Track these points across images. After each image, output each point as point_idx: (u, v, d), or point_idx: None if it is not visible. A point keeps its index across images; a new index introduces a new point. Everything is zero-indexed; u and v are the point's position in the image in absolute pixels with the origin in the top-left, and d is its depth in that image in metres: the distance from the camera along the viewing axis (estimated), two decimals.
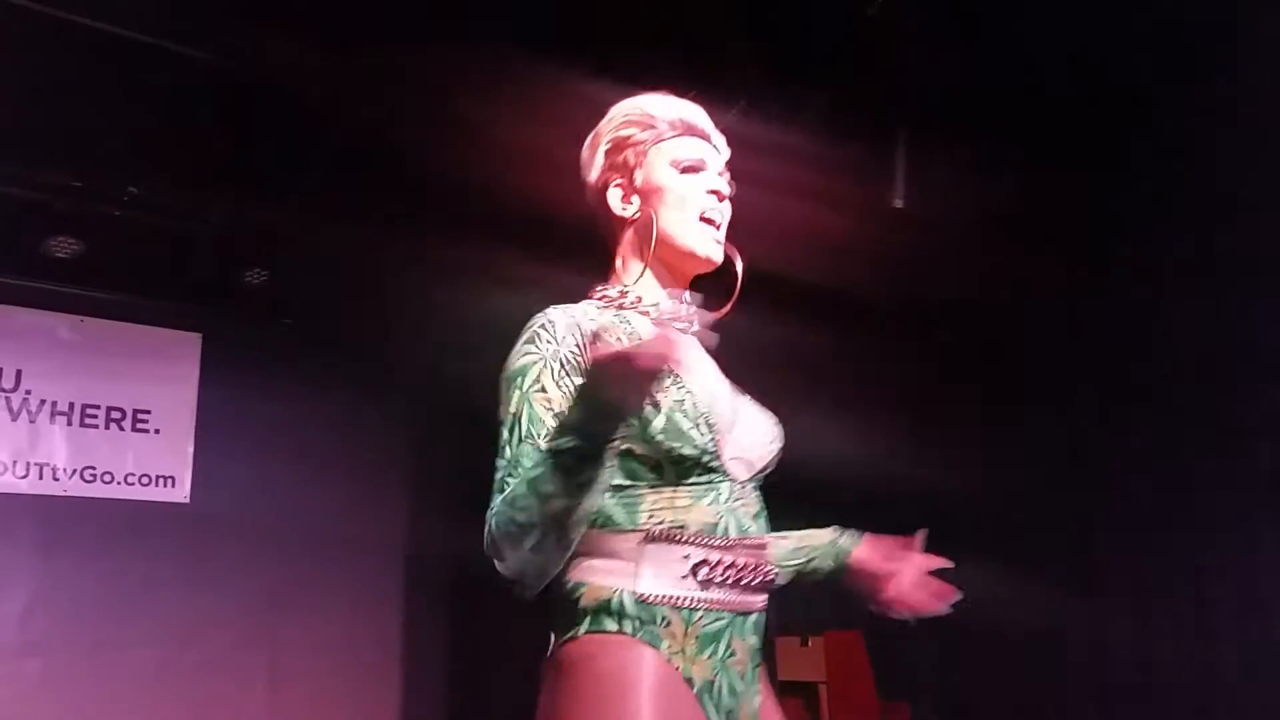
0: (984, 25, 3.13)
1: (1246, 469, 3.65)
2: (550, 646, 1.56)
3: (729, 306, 1.74)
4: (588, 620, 1.53)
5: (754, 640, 1.62)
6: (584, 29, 3.12)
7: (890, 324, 4.41)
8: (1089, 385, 4.26)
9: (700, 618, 1.54)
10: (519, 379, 1.54)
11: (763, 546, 1.63)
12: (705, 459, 1.56)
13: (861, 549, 1.90)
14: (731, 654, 1.57)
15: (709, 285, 1.74)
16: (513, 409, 1.52)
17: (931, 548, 1.87)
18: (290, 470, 5.04)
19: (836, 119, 3.36)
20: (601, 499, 1.52)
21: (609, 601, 1.52)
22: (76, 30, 2.97)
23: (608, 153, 1.76)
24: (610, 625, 1.52)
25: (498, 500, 1.46)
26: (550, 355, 1.55)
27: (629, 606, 1.52)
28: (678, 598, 1.53)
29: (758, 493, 1.68)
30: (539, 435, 1.48)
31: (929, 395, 4.64)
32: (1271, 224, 3.47)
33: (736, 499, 1.60)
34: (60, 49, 3.14)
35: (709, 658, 1.54)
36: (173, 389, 4.95)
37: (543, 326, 1.58)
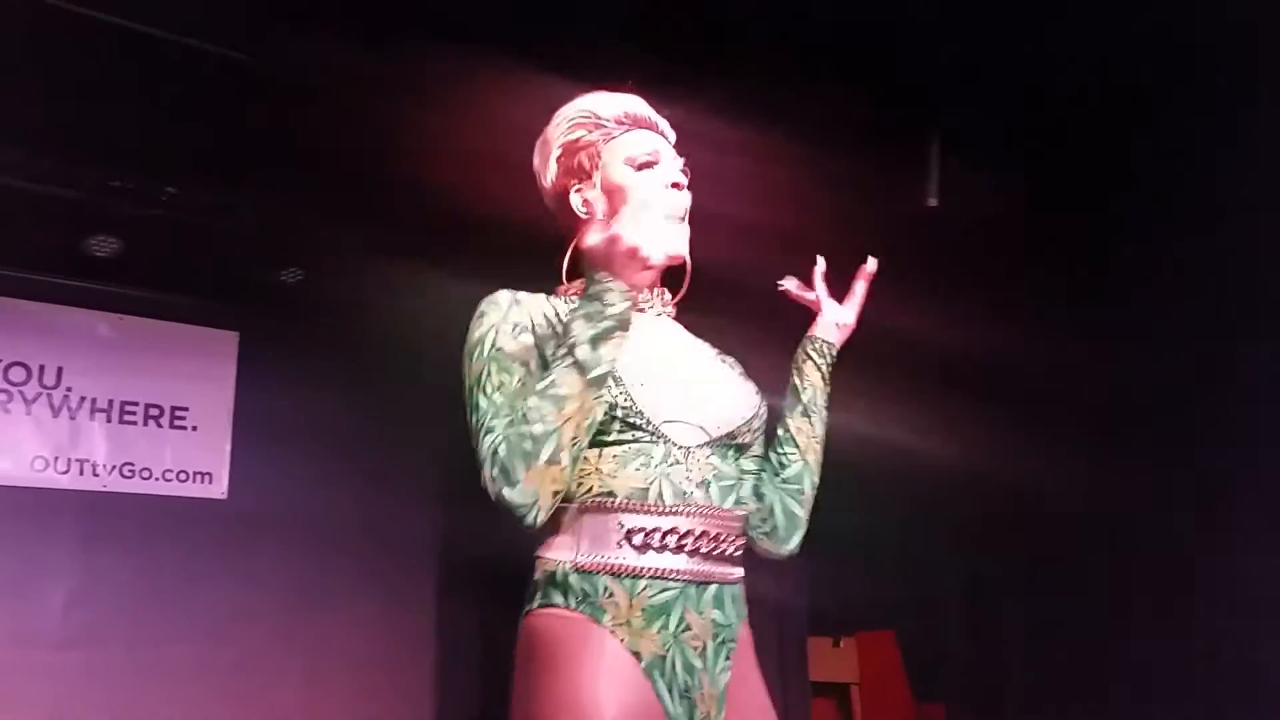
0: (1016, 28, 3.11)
1: None
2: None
3: (683, 292, 1.82)
4: (539, 594, 1.58)
5: (716, 615, 1.59)
6: (623, 28, 3.12)
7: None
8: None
9: (644, 588, 1.54)
10: (477, 349, 1.61)
11: (708, 514, 1.59)
12: (619, 413, 1.55)
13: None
14: (686, 628, 1.56)
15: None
16: (477, 369, 1.60)
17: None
18: (326, 467, 5.07)
19: (870, 118, 3.34)
20: (599, 412, 1.54)
21: (554, 574, 1.56)
22: (114, 31, 3.00)
23: (560, 158, 1.79)
24: (557, 599, 1.55)
25: (500, 427, 1.52)
26: (499, 319, 1.62)
27: (571, 579, 1.55)
28: (614, 565, 1.54)
29: (723, 459, 1.66)
30: (513, 381, 1.56)
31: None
32: None
33: (674, 463, 1.58)
34: (97, 49, 3.17)
35: (658, 631, 1.54)
36: (210, 386, 5.00)
37: (488, 302, 1.67)
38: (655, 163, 1.73)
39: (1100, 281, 4.07)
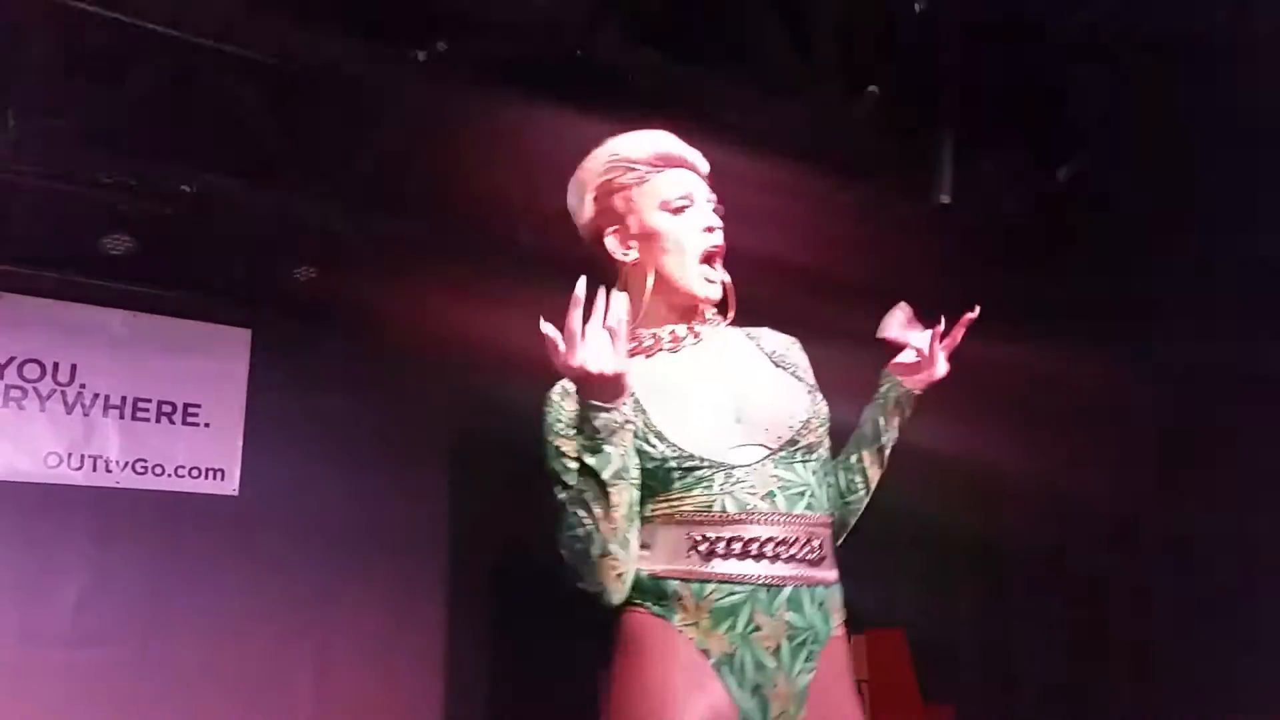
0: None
1: None
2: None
3: (730, 316, 1.87)
4: (632, 594, 1.67)
5: (791, 616, 1.64)
6: (626, 30, 3.12)
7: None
8: None
9: (711, 592, 1.63)
10: (545, 449, 1.70)
11: (774, 520, 1.66)
12: (674, 464, 1.66)
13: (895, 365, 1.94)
14: (755, 629, 1.62)
15: None
16: (548, 469, 1.69)
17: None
18: (337, 464, 5.10)
19: (881, 116, 3.34)
20: (633, 492, 1.63)
21: (640, 579, 1.66)
22: (128, 29, 3.01)
23: (595, 200, 1.83)
24: (637, 600, 1.67)
25: (563, 528, 1.64)
26: (553, 419, 1.69)
27: (648, 584, 1.66)
28: (683, 572, 1.64)
29: (789, 468, 1.71)
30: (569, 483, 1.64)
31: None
32: None
33: (736, 481, 1.66)
34: (113, 48, 3.19)
35: (725, 631, 1.62)
36: (223, 384, 5.03)
37: (545, 401, 1.72)
38: (689, 205, 1.79)
39: (1118, 281, 4.05)
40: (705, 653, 1.62)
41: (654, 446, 1.66)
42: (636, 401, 1.67)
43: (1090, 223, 3.87)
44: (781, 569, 1.64)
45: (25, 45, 3.15)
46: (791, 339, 1.95)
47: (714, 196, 1.84)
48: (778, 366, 1.85)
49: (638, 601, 1.67)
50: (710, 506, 1.64)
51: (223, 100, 3.47)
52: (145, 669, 4.60)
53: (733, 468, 1.67)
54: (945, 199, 3.46)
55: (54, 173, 3.66)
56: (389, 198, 4.07)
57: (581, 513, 1.59)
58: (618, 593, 1.65)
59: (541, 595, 5.46)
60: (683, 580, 1.63)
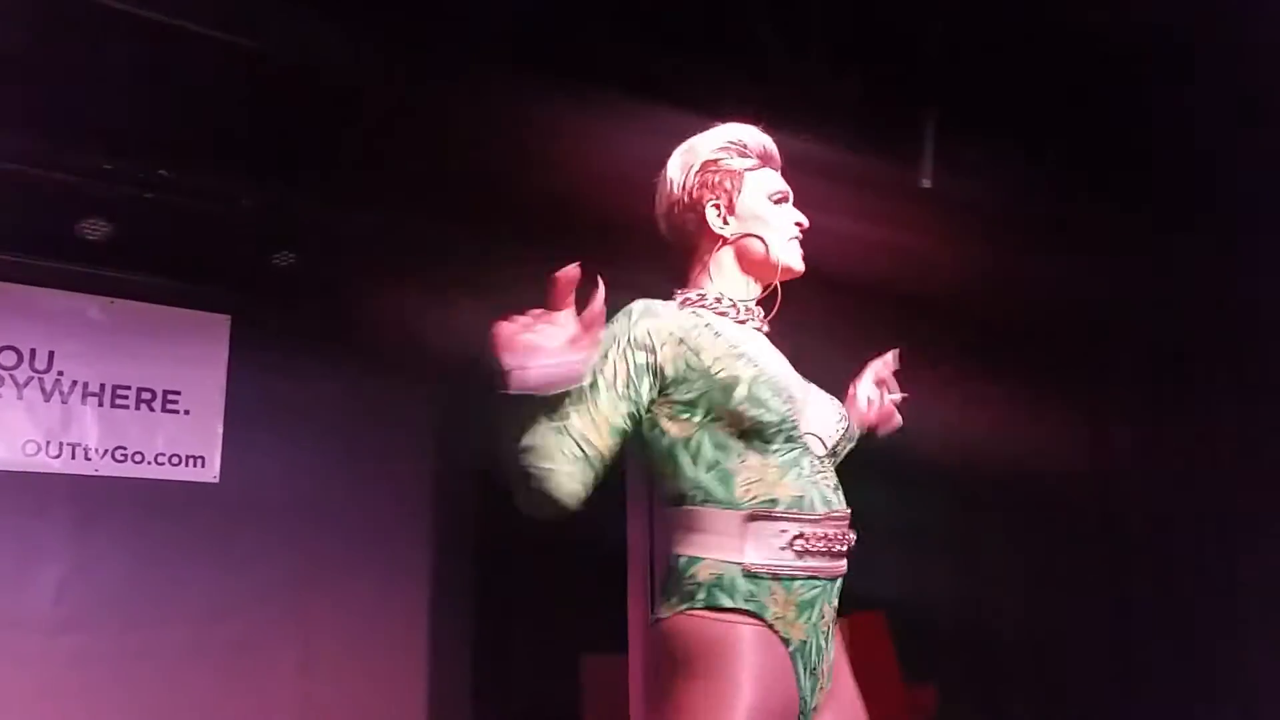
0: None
1: None
2: (656, 613, 1.76)
3: (774, 310, 1.98)
4: (704, 594, 1.70)
5: (836, 603, 1.81)
6: (613, 16, 3.11)
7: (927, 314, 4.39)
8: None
9: (799, 586, 1.73)
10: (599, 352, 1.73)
11: (845, 518, 1.80)
12: (786, 427, 1.74)
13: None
14: (821, 616, 1.76)
15: None
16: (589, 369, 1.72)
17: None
18: (319, 451, 5.09)
19: (866, 100, 3.34)
20: (698, 475, 1.73)
21: (722, 576, 1.70)
22: (107, 13, 2.98)
23: (700, 173, 1.95)
24: (725, 601, 1.69)
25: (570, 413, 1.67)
26: (620, 330, 1.75)
27: (740, 581, 1.69)
28: (779, 567, 1.71)
29: (833, 469, 1.86)
30: (585, 394, 1.67)
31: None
32: None
33: (818, 472, 1.78)
34: (90, 31, 3.16)
35: (805, 621, 1.73)
36: (202, 370, 5.00)
37: (622, 312, 1.79)
38: (787, 200, 1.98)
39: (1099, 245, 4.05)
40: (787, 642, 1.71)
41: (772, 403, 1.72)
42: (747, 356, 1.75)
43: (1078, 210, 3.87)
44: (838, 562, 1.79)
45: None
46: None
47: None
48: (803, 378, 1.95)
49: (723, 603, 1.68)
50: (802, 500, 1.73)
51: (201, 84, 3.43)
52: (124, 657, 4.58)
53: (814, 455, 1.79)
54: (927, 183, 3.47)
55: (29, 157, 3.62)
56: (369, 183, 4.04)
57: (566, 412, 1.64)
58: (570, 492, 1.65)
59: (525, 579, 5.50)
60: (776, 578, 1.70)
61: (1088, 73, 3.33)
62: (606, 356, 1.70)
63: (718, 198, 1.93)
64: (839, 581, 1.81)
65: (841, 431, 1.87)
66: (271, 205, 4.12)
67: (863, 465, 2.02)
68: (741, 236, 1.92)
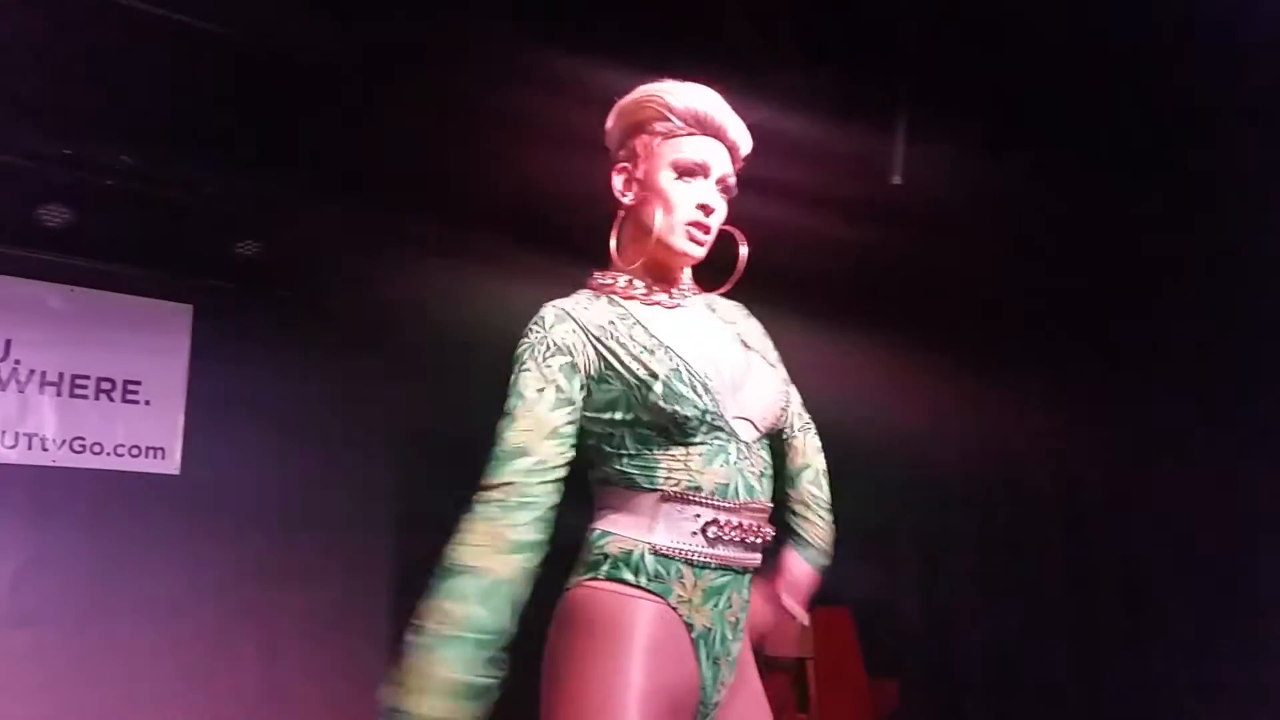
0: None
1: None
2: (566, 585, 1.71)
3: (729, 284, 1.86)
4: (608, 566, 1.68)
5: (747, 594, 1.77)
6: (584, 8, 3.10)
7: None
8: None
9: (708, 573, 1.69)
10: (514, 364, 1.71)
11: (765, 510, 1.75)
12: (708, 418, 1.68)
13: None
14: (729, 606, 1.72)
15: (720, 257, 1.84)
16: (511, 381, 1.70)
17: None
18: (281, 443, 5.04)
19: (838, 96, 3.35)
20: (620, 464, 1.70)
21: (630, 553, 1.67)
22: None
23: (621, 132, 1.83)
24: (628, 576, 1.66)
25: (504, 440, 1.65)
26: (537, 340, 1.71)
27: (647, 560, 1.67)
28: (689, 552, 1.67)
29: (765, 451, 1.79)
30: (515, 409, 1.66)
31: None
32: None
33: (744, 458, 1.72)
34: (52, 16, 3.11)
35: (711, 609, 1.69)
36: (164, 360, 4.93)
37: (535, 321, 1.74)
38: (697, 175, 1.77)
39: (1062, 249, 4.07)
40: (690, 626, 1.67)
41: (689, 397, 1.66)
42: (666, 347, 1.71)
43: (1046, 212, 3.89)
44: (755, 555, 1.76)
45: None
46: (739, 306, 1.96)
47: (732, 179, 1.82)
48: (748, 348, 1.85)
49: (624, 577, 1.65)
50: (727, 488, 1.69)
51: (165, 69, 3.39)
52: (82, 650, 4.52)
53: (741, 442, 1.72)
54: (897, 180, 3.48)
55: None
56: (334, 173, 4.02)
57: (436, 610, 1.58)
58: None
59: None
60: (686, 562, 1.67)
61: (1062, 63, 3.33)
62: (527, 370, 1.68)
63: (626, 164, 1.81)
64: (749, 574, 1.76)
65: (780, 410, 1.81)
66: (236, 194, 4.09)
67: (831, 463, 2.01)
68: (635, 206, 1.79)
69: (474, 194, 3.97)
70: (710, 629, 1.69)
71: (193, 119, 3.67)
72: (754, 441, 1.75)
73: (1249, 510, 3.59)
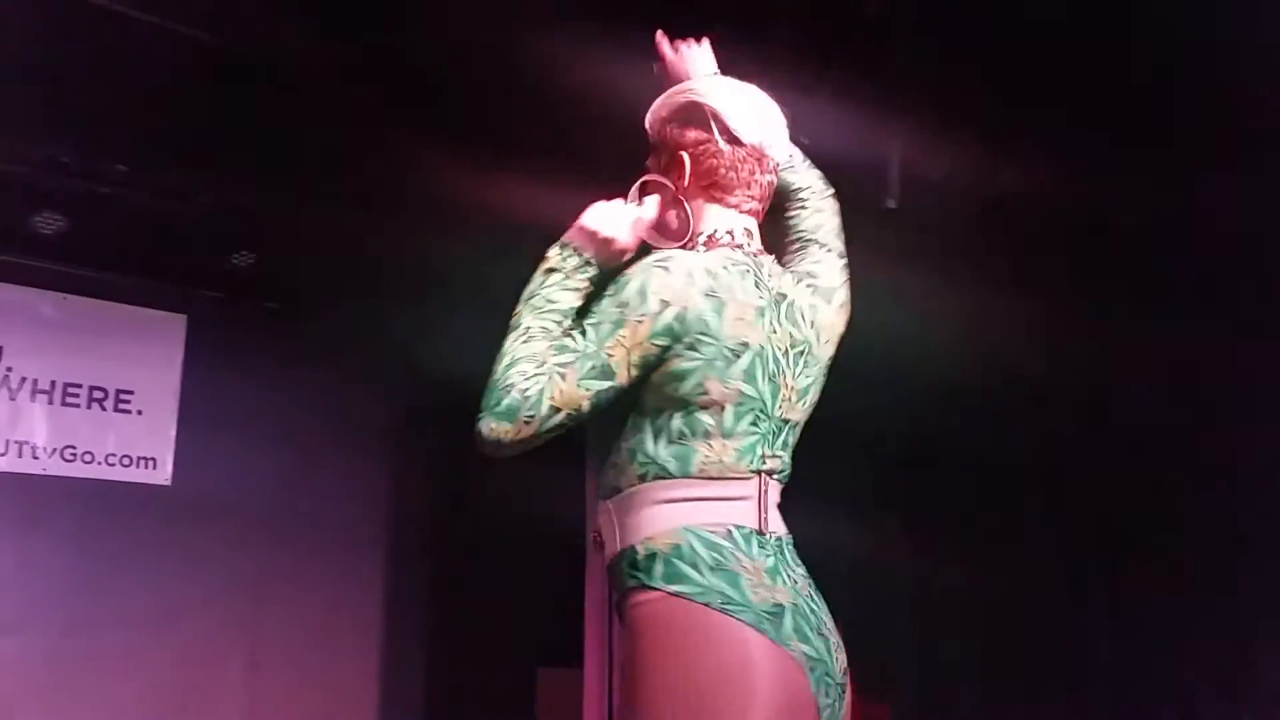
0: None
1: None
2: (623, 602, 1.61)
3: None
4: (661, 566, 1.55)
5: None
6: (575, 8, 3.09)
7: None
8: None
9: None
10: (621, 292, 1.60)
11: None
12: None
13: None
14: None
15: None
16: (604, 309, 1.60)
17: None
18: (273, 454, 5.02)
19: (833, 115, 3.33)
20: (655, 450, 1.60)
21: (679, 546, 1.55)
22: (65, 5, 2.94)
23: (685, 125, 1.78)
24: (687, 571, 1.53)
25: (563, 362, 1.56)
26: (632, 297, 1.59)
27: (698, 548, 1.55)
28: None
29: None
30: (574, 358, 1.55)
31: None
32: None
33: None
34: (48, 23, 3.11)
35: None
36: (156, 370, 4.91)
37: (641, 268, 1.62)
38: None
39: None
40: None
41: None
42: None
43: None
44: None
45: None
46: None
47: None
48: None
49: (687, 574, 1.53)
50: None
51: (160, 78, 3.39)
52: (67, 660, 4.49)
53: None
54: (892, 204, 3.46)
55: None
56: (329, 184, 4.01)
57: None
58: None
59: (480, 589, 5.46)
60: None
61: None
62: (610, 324, 1.56)
63: (685, 151, 1.77)
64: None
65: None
66: (230, 204, 4.08)
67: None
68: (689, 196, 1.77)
69: (470, 204, 3.96)
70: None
71: (188, 129, 3.66)
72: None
73: None
